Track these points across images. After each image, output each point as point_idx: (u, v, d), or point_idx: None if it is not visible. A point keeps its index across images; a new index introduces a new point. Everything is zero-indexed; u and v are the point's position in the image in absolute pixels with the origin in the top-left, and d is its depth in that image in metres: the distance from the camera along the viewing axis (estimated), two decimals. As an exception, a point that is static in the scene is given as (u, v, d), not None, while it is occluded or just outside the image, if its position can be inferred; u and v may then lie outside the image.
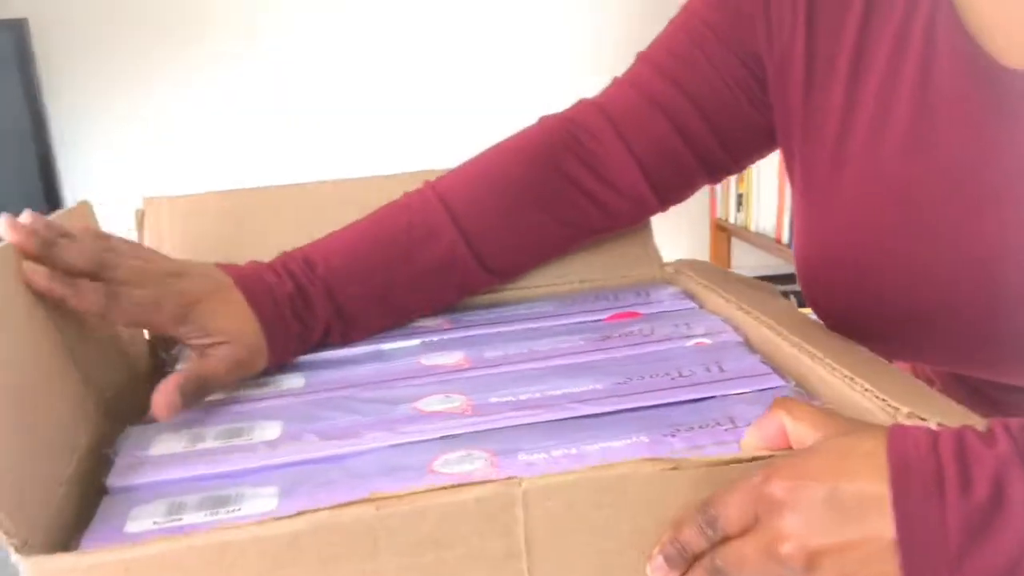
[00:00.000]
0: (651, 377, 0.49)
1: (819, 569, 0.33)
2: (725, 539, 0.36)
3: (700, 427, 0.43)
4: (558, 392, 0.47)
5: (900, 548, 0.32)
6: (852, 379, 0.45)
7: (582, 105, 0.62)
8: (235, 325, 0.49)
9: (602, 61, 1.02)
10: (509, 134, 0.61)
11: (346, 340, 0.55)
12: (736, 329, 0.55)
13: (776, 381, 0.48)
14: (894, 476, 0.33)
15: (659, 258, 0.67)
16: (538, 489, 0.36)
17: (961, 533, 0.32)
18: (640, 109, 0.59)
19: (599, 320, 0.58)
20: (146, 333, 0.57)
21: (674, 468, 0.37)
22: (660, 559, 0.37)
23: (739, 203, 1.96)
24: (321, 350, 0.54)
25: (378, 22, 1.97)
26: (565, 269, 0.66)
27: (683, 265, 0.66)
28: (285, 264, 0.53)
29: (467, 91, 2.02)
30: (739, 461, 0.38)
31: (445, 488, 0.36)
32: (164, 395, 0.44)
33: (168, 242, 0.61)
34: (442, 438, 0.43)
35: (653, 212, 0.64)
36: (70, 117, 1.90)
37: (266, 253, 0.55)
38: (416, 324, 0.58)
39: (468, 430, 0.44)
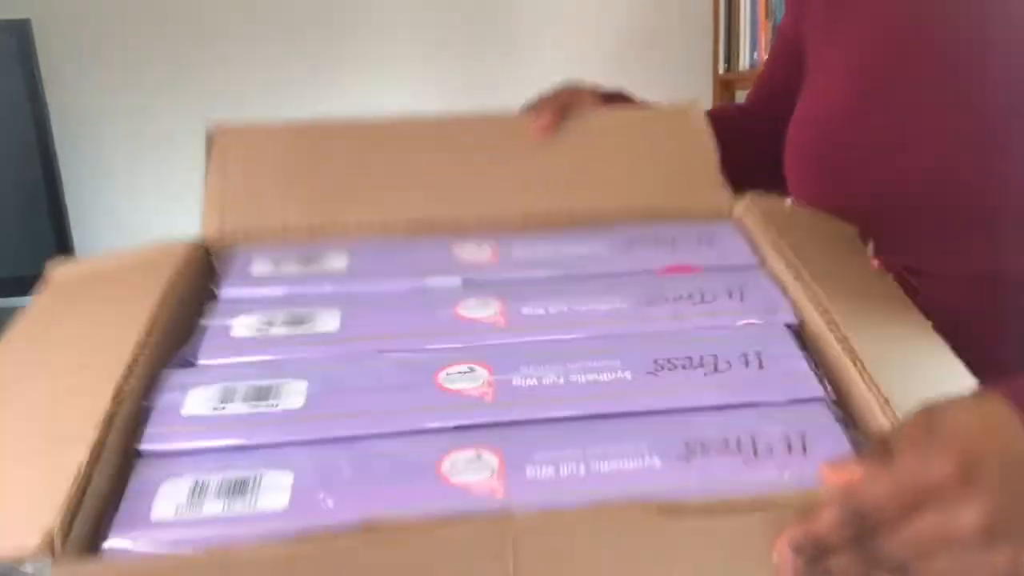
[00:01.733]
0: (683, 368, 0.47)
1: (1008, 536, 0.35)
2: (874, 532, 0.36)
3: (718, 452, 0.42)
4: (582, 379, 0.46)
5: None
6: (886, 403, 0.42)
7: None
8: None
9: None
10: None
11: None
12: (791, 306, 0.51)
13: (813, 390, 0.45)
14: None
15: (727, 191, 0.62)
16: (529, 530, 0.37)
17: None
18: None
19: (652, 271, 0.55)
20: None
21: (671, 512, 0.37)
22: (788, 553, 0.36)
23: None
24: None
25: (390, 37, 1.93)
26: (632, 192, 0.62)
27: (754, 203, 0.60)
28: None
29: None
30: (736, 511, 0.38)
31: (438, 524, 0.37)
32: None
33: (232, 170, 0.61)
34: (456, 428, 0.44)
35: None
36: (73, 118, 1.89)
37: (334, 186, 0.56)
38: (465, 255, 0.57)
39: (483, 421, 0.44)
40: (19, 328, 0.51)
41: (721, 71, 2.03)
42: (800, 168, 0.64)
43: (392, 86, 1.97)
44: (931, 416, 0.39)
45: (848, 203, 0.61)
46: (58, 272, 0.57)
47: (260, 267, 0.56)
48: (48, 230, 1.64)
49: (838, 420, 0.44)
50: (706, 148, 0.66)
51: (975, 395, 0.40)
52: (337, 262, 0.56)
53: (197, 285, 0.55)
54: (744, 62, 1.97)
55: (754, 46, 1.92)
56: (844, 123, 0.65)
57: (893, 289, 0.57)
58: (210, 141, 0.64)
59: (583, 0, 2.01)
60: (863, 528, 0.36)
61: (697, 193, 0.62)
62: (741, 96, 1.99)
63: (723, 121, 0.67)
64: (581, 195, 0.62)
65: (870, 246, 0.61)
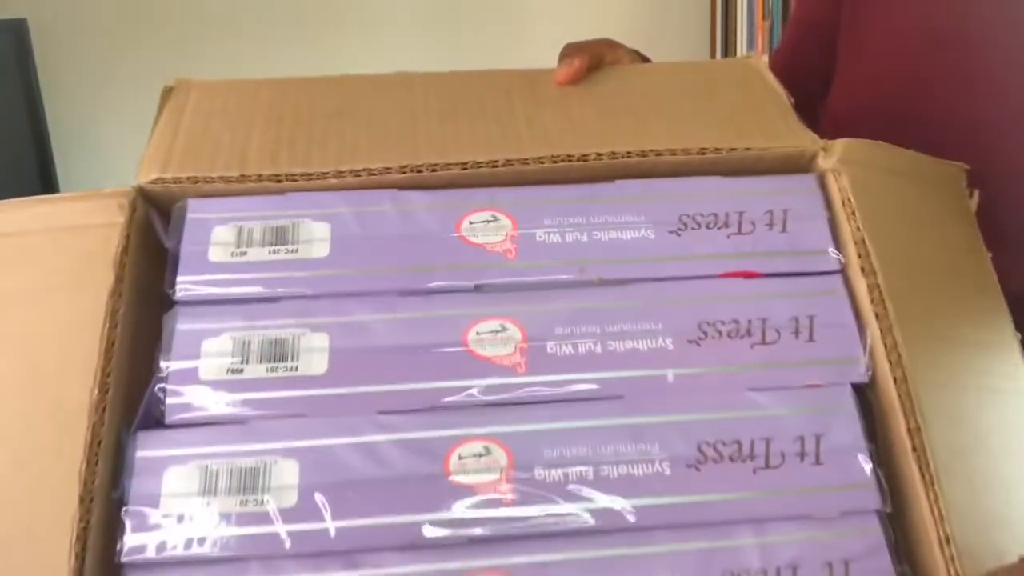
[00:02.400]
0: (729, 460, 0.41)
1: None
2: None
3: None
4: (612, 474, 0.41)
5: None
6: (947, 541, 0.39)
7: None
8: None
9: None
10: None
11: None
12: (864, 356, 0.43)
13: (870, 502, 0.40)
14: None
15: (808, 132, 0.48)
16: None
17: None
18: None
19: (707, 276, 0.45)
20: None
21: None
22: None
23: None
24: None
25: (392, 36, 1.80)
26: (687, 133, 0.48)
27: (850, 154, 0.47)
28: None
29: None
30: None
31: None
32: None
33: (187, 118, 0.49)
34: (470, 542, 0.39)
35: None
36: (69, 118, 1.82)
37: (310, 129, 0.48)
38: (476, 239, 0.46)
39: (496, 533, 0.40)
40: None
41: None
42: None
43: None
44: None
45: None
46: None
47: (220, 249, 0.45)
48: (46, 230, 1.66)
49: (889, 545, 0.40)
50: (777, 93, 0.50)
51: None
52: (316, 244, 0.45)
53: (146, 270, 0.45)
54: None
55: (751, 47, 1.77)
56: (868, 122, 0.62)
57: (988, 283, 0.48)
58: (167, 93, 0.49)
59: (581, 0, 1.85)
60: None
61: (770, 136, 0.48)
62: None
63: None
64: (622, 135, 0.48)
65: (975, 195, 0.51)
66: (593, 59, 0.52)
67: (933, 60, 0.62)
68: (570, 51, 0.52)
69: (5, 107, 1.61)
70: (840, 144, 0.47)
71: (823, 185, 0.48)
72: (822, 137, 0.48)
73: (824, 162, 0.48)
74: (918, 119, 0.60)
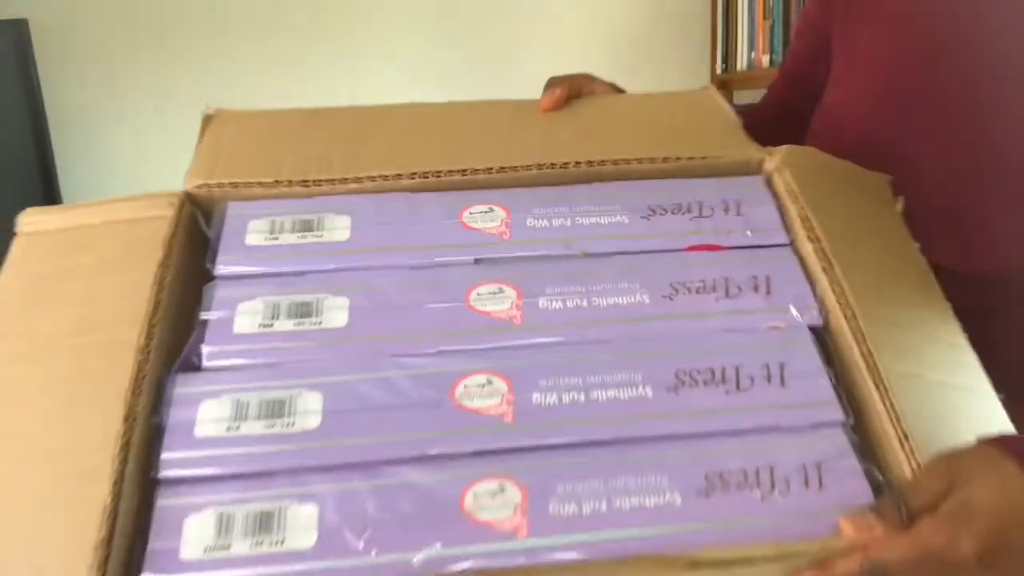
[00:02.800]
0: (704, 384, 0.46)
1: None
2: None
3: (737, 485, 0.43)
4: (603, 397, 0.45)
5: None
6: (905, 438, 0.43)
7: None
8: None
9: None
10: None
11: None
12: (817, 303, 0.50)
13: (833, 415, 0.45)
14: None
15: (755, 145, 0.58)
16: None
17: None
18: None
19: (675, 250, 0.53)
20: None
21: (694, 566, 0.39)
22: None
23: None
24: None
25: (388, 31, 1.85)
26: (653, 144, 0.57)
27: (785, 160, 0.56)
28: None
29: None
30: (750, 559, 0.39)
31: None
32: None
33: (226, 138, 0.57)
34: (475, 454, 0.44)
35: None
36: (70, 118, 1.83)
37: (333, 147, 0.55)
38: (476, 224, 0.53)
39: (503, 446, 0.44)
40: (4, 310, 0.48)
41: (719, 71, 1.90)
42: None
43: (386, 84, 1.86)
44: (951, 477, 0.39)
45: None
46: (30, 225, 0.52)
47: (255, 235, 0.52)
48: (46, 229, 1.67)
49: (855, 449, 0.44)
50: (728, 116, 0.61)
51: (990, 459, 0.40)
52: (338, 231, 0.52)
53: (190, 254, 0.52)
54: (742, 63, 1.85)
55: (752, 46, 1.82)
56: (863, 132, 0.64)
57: (916, 261, 0.55)
58: (207, 120, 0.58)
59: (581, 1, 1.93)
60: None
61: (723, 147, 0.57)
62: (740, 96, 1.87)
63: (754, 119, 0.63)
64: (598, 147, 0.57)
65: (900, 201, 0.59)
66: (572, 89, 0.61)
67: (924, 60, 0.63)
68: (552, 83, 0.62)
69: (5, 107, 1.60)
70: (782, 149, 0.57)
71: (769, 183, 0.56)
72: (815, 135, 0.58)
73: (769, 164, 0.57)
74: (907, 118, 0.63)
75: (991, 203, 0.58)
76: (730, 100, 1.95)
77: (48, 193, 1.69)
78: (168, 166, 2.20)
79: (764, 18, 1.77)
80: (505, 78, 1.92)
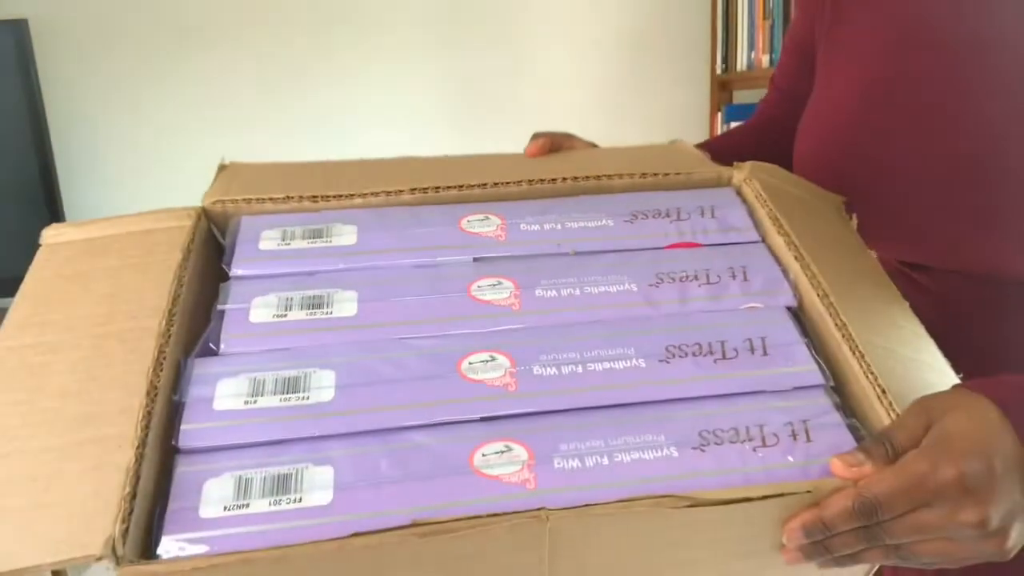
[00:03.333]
0: (693, 356, 0.49)
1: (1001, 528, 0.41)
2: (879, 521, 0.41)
3: (731, 441, 0.45)
4: (599, 368, 0.49)
5: None
6: (883, 392, 0.46)
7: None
8: None
9: None
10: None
11: None
12: (791, 287, 0.54)
13: (814, 378, 0.49)
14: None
15: (720, 166, 0.64)
16: (562, 521, 0.40)
17: None
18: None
19: (658, 248, 0.57)
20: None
21: (692, 503, 0.41)
22: (796, 553, 0.43)
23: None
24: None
25: (384, 34, 1.91)
26: (633, 164, 0.62)
27: (752, 173, 0.62)
28: None
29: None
30: (748, 500, 0.42)
31: (480, 518, 0.39)
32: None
33: (238, 173, 0.62)
34: (482, 420, 0.46)
35: None
36: (69, 118, 1.86)
37: (337, 180, 0.59)
38: (473, 229, 0.57)
39: (508, 412, 0.46)
40: (27, 305, 0.51)
41: (719, 71, 2.00)
42: (809, 176, 0.64)
43: (388, 85, 1.97)
44: (929, 415, 0.43)
45: (859, 207, 0.63)
46: (53, 237, 0.55)
47: (268, 242, 0.56)
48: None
49: (837, 407, 0.47)
50: (698, 153, 0.67)
51: (964, 395, 0.44)
52: (346, 237, 0.56)
53: (206, 260, 0.55)
54: (741, 63, 1.94)
55: (751, 47, 1.88)
56: (850, 128, 0.66)
57: (874, 264, 0.60)
58: (222, 168, 0.63)
59: (581, 1, 1.99)
60: (871, 518, 0.40)
61: (694, 167, 0.63)
62: (739, 96, 1.99)
63: (743, 137, 0.68)
64: (582, 166, 0.62)
65: (854, 218, 0.64)
66: (555, 142, 0.67)
67: (908, 61, 0.63)
68: (536, 135, 0.67)
69: (6, 106, 1.61)
70: (747, 165, 0.62)
71: (739, 192, 0.62)
72: (804, 135, 0.63)
73: (737, 177, 0.62)
74: (895, 107, 0.63)
75: (987, 193, 0.59)
76: (730, 100, 2.04)
77: (48, 193, 1.71)
78: (168, 166, 2.07)
79: (764, 18, 1.80)
80: (505, 81, 1.97)
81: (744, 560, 0.46)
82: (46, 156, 1.73)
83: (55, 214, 1.75)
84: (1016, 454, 0.41)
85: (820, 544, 0.43)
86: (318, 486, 0.43)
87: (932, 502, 0.40)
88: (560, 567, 0.42)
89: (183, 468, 0.43)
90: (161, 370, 0.46)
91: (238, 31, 1.90)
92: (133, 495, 0.40)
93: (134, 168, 1.96)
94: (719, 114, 2.00)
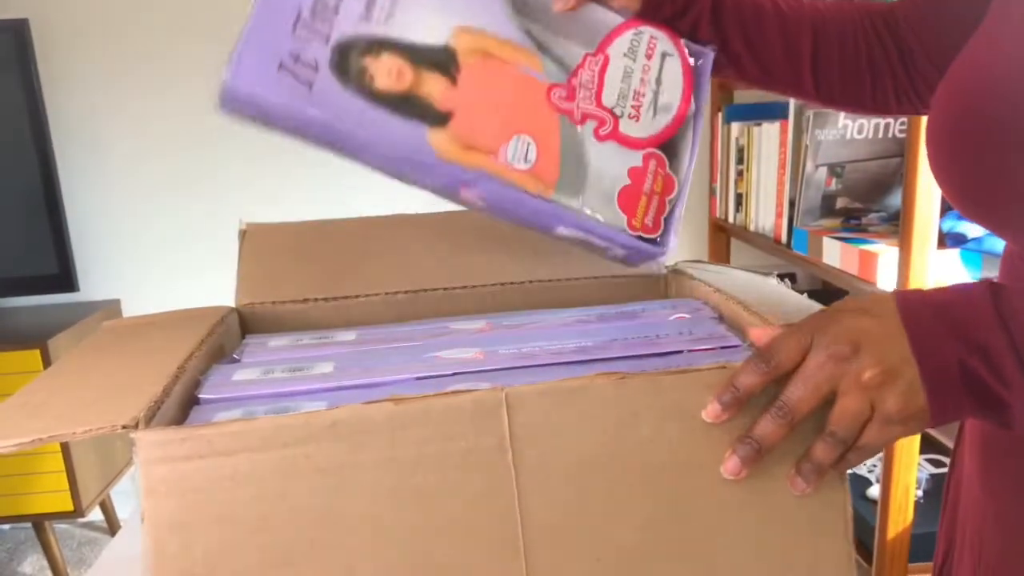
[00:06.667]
0: (632, 339, 0.59)
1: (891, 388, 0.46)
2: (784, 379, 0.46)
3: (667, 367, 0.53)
4: (554, 347, 0.58)
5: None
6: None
7: None
8: None
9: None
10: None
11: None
12: (713, 308, 0.65)
13: (735, 341, 0.58)
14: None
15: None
16: (518, 394, 0.47)
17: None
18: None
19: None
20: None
21: (622, 379, 0.48)
22: (714, 404, 0.47)
23: (738, 204, 1.93)
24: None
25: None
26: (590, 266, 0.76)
27: (684, 264, 0.76)
28: None
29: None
30: (680, 372, 0.48)
31: (447, 393, 0.47)
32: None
33: (259, 256, 0.76)
34: (454, 374, 0.55)
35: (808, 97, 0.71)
36: (70, 118, 1.91)
37: (342, 266, 0.71)
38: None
39: (476, 369, 0.55)
40: (65, 360, 0.60)
41: None
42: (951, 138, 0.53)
43: None
44: (834, 309, 0.50)
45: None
46: (107, 324, 0.67)
47: (279, 340, 0.66)
48: (46, 230, 1.67)
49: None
50: None
51: (863, 297, 0.50)
52: (342, 341, 0.67)
53: (225, 343, 0.66)
54: None
55: None
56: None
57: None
58: (242, 236, 0.78)
59: None
60: (776, 369, 0.47)
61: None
62: (740, 96, 2.02)
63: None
64: (547, 269, 0.76)
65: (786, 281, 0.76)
66: None
67: None
68: None
69: (6, 107, 1.57)
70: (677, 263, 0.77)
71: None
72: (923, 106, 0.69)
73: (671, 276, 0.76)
74: None
75: None
76: (730, 100, 2.04)
77: (48, 193, 1.67)
78: (168, 166, 2.02)
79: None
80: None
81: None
82: (47, 156, 1.70)
83: (55, 214, 1.71)
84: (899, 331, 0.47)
85: (748, 442, 0.47)
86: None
87: (827, 359, 0.46)
88: (521, 446, 0.47)
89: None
90: (185, 370, 0.55)
91: (238, 29, 1.97)
92: (157, 408, 0.48)
93: (135, 167, 1.94)
94: (719, 114, 2.02)
